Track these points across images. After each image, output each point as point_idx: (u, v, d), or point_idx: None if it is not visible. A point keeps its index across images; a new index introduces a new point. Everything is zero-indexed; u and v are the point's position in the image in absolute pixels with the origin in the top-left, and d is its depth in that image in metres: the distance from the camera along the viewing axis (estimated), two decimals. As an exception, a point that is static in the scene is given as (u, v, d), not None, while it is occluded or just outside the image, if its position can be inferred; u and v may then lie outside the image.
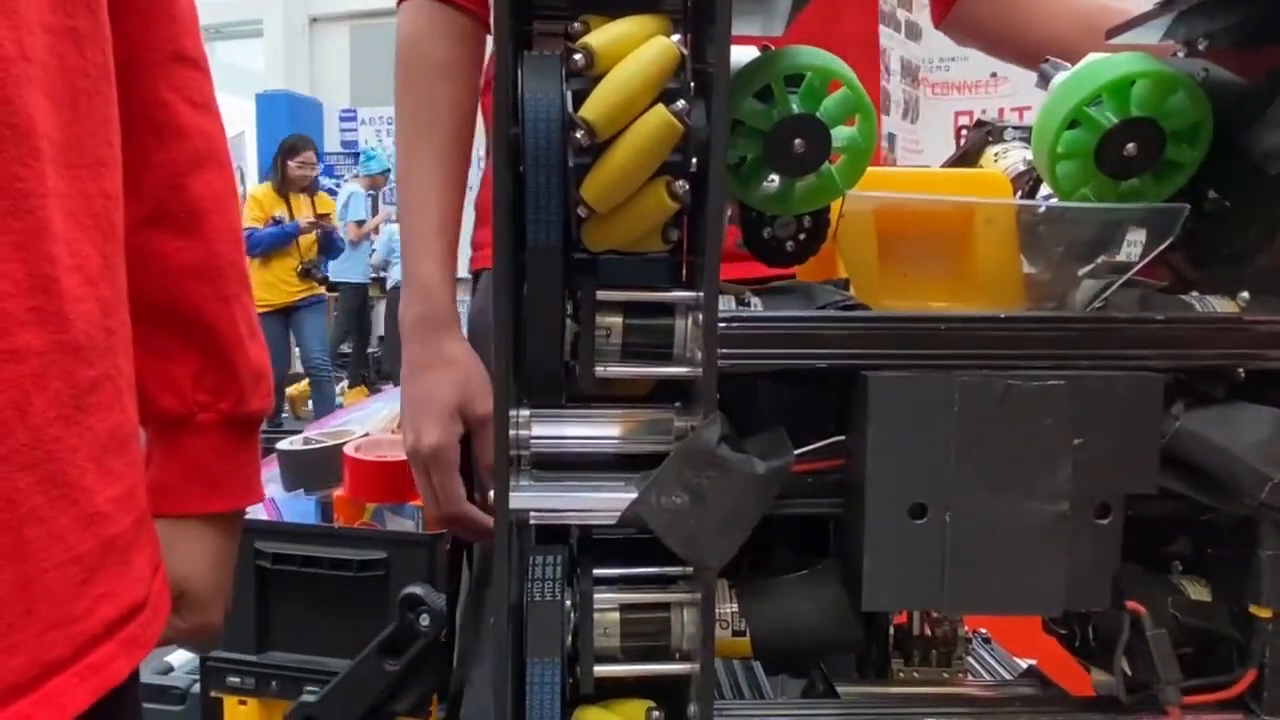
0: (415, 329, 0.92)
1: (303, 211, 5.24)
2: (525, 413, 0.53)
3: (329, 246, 5.47)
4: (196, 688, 1.53)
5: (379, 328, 7.73)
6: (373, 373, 7.14)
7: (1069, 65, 0.58)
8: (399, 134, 0.96)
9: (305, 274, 5.30)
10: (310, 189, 5.34)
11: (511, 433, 0.52)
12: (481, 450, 0.92)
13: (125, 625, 0.56)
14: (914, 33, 3.42)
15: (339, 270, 6.38)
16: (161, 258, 0.67)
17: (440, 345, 0.91)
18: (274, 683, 1.29)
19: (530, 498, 0.50)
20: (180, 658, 1.95)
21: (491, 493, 0.50)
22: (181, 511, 0.69)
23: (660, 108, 0.45)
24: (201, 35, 0.72)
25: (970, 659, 0.72)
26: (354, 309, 6.98)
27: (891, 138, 3.48)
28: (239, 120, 9.68)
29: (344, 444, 1.31)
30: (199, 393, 0.69)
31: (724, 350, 0.49)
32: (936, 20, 1.09)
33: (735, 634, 0.55)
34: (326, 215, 5.52)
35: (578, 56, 0.45)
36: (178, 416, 0.69)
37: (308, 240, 5.21)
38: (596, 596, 0.53)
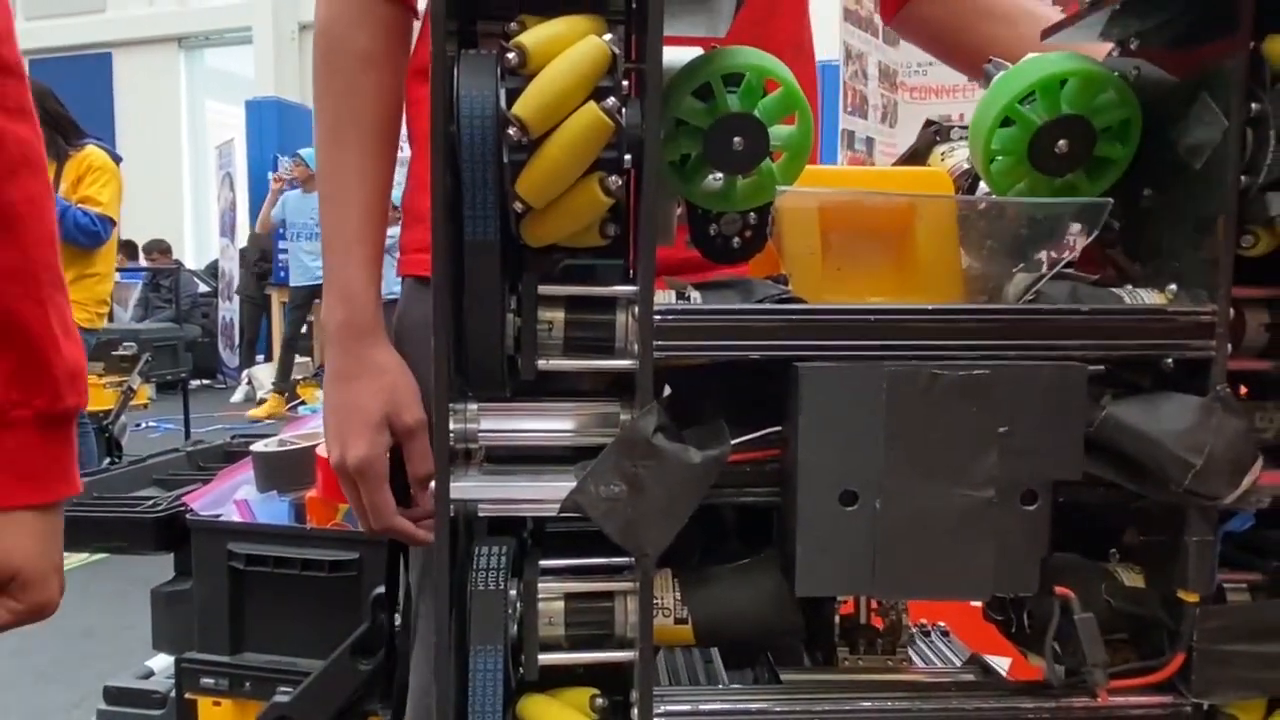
0: (338, 336, 0.85)
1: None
2: (474, 406, 0.54)
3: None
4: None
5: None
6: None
7: (1011, 65, 0.60)
8: (318, 128, 0.88)
9: None
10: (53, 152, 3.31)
11: (459, 426, 0.53)
12: (413, 461, 0.86)
13: None
14: (891, 38, 3.45)
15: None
16: None
17: (364, 353, 0.85)
18: (248, 683, 1.30)
19: (470, 487, 0.51)
20: (160, 662, 1.95)
21: (433, 484, 0.50)
22: (1, 505, 0.72)
23: (591, 105, 0.46)
24: (16, 41, 0.73)
25: (927, 650, 0.73)
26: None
27: (870, 141, 3.51)
28: (229, 127, 9.68)
29: (317, 445, 1.32)
30: (12, 391, 0.72)
31: (660, 343, 0.50)
32: (886, 17, 1.06)
33: (678, 622, 0.56)
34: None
35: (511, 55, 0.46)
36: None
37: None
38: (541, 585, 0.54)
